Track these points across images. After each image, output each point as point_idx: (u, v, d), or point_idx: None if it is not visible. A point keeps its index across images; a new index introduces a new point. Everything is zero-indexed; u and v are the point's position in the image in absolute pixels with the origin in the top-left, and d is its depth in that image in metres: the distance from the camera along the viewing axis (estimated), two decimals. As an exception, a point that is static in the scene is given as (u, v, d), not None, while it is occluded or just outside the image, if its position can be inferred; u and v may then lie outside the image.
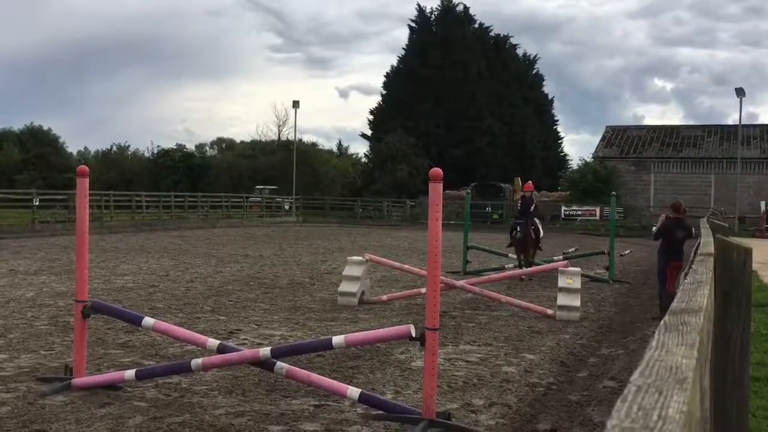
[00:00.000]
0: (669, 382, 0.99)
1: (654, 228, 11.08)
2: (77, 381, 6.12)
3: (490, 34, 63.25)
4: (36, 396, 5.87)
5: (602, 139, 52.45)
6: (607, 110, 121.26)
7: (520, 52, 65.70)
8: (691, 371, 1.05)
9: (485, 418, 5.65)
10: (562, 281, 10.61)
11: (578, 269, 11.15)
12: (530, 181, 17.30)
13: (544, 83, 67.27)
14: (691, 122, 70.52)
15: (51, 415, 5.41)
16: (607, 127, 54.40)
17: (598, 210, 43.09)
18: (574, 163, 62.48)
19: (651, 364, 1.10)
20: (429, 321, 5.40)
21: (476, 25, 62.09)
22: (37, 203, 30.70)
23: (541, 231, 16.35)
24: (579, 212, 44.45)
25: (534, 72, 66.31)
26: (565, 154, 68.27)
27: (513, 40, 64.79)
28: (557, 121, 68.54)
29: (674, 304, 2.01)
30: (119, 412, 5.54)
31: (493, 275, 13.79)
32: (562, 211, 44.76)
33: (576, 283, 10.61)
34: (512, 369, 7.34)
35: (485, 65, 59.38)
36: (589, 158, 51.79)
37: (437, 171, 5.55)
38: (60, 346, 7.79)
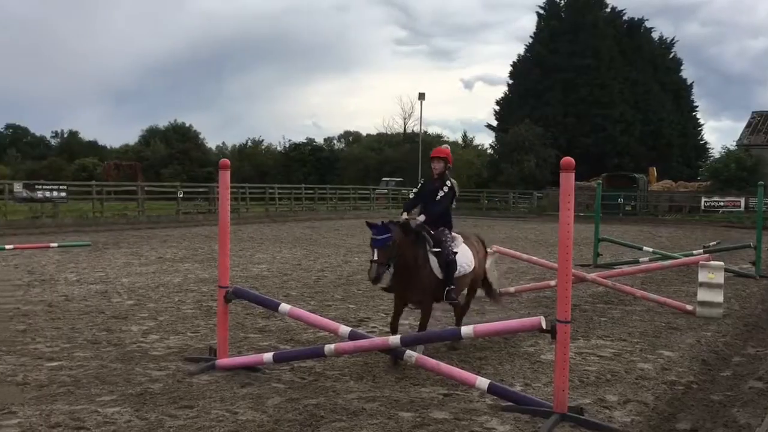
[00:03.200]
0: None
1: None
2: (220, 362, 6.50)
3: (623, 18, 60.71)
4: (184, 374, 6.30)
5: (748, 126, 49.13)
6: (753, 95, 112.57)
7: (655, 35, 62.76)
8: None
9: (620, 415, 5.47)
10: (703, 276, 10.07)
11: (721, 263, 10.51)
12: (446, 145, 8.36)
13: (681, 67, 63.85)
14: None
15: (198, 392, 5.79)
16: (753, 112, 50.87)
17: (743, 201, 40.34)
18: (716, 151, 59.11)
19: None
20: (560, 313, 5.29)
21: (608, 10, 59.75)
22: (181, 195, 32.81)
23: (452, 245, 7.21)
24: (721, 203, 41.78)
25: (671, 56, 63.02)
26: (706, 142, 64.67)
27: (648, 24, 61.93)
28: (696, 107, 64.91)
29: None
30: (259, 392, 5.84)
31: (626, 268, 13.23)
32: (702, 203, 42.27)
33: (718, 278, 10.03)
34: (648, 366, 7.05)
35: (618, 50, 57.03)
36: (732, 146, 48.83)
37: (569, 160, 5.40)
38: (204, 329, 8.31)
